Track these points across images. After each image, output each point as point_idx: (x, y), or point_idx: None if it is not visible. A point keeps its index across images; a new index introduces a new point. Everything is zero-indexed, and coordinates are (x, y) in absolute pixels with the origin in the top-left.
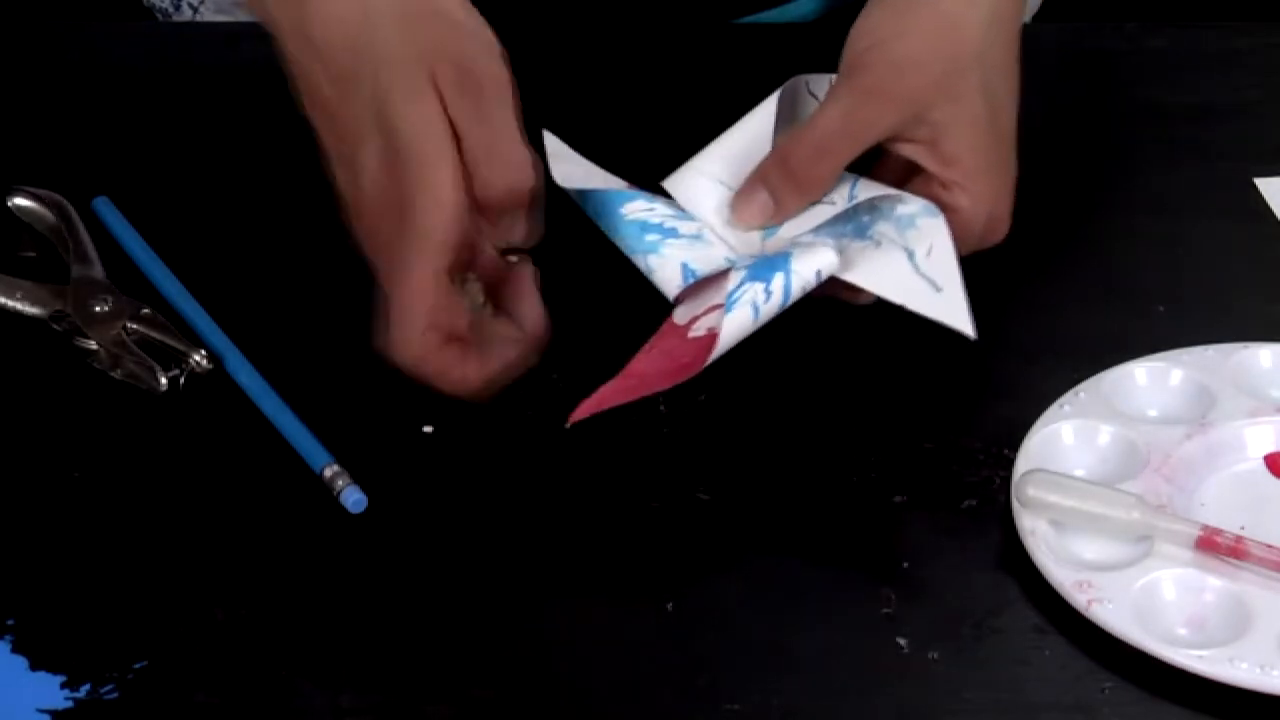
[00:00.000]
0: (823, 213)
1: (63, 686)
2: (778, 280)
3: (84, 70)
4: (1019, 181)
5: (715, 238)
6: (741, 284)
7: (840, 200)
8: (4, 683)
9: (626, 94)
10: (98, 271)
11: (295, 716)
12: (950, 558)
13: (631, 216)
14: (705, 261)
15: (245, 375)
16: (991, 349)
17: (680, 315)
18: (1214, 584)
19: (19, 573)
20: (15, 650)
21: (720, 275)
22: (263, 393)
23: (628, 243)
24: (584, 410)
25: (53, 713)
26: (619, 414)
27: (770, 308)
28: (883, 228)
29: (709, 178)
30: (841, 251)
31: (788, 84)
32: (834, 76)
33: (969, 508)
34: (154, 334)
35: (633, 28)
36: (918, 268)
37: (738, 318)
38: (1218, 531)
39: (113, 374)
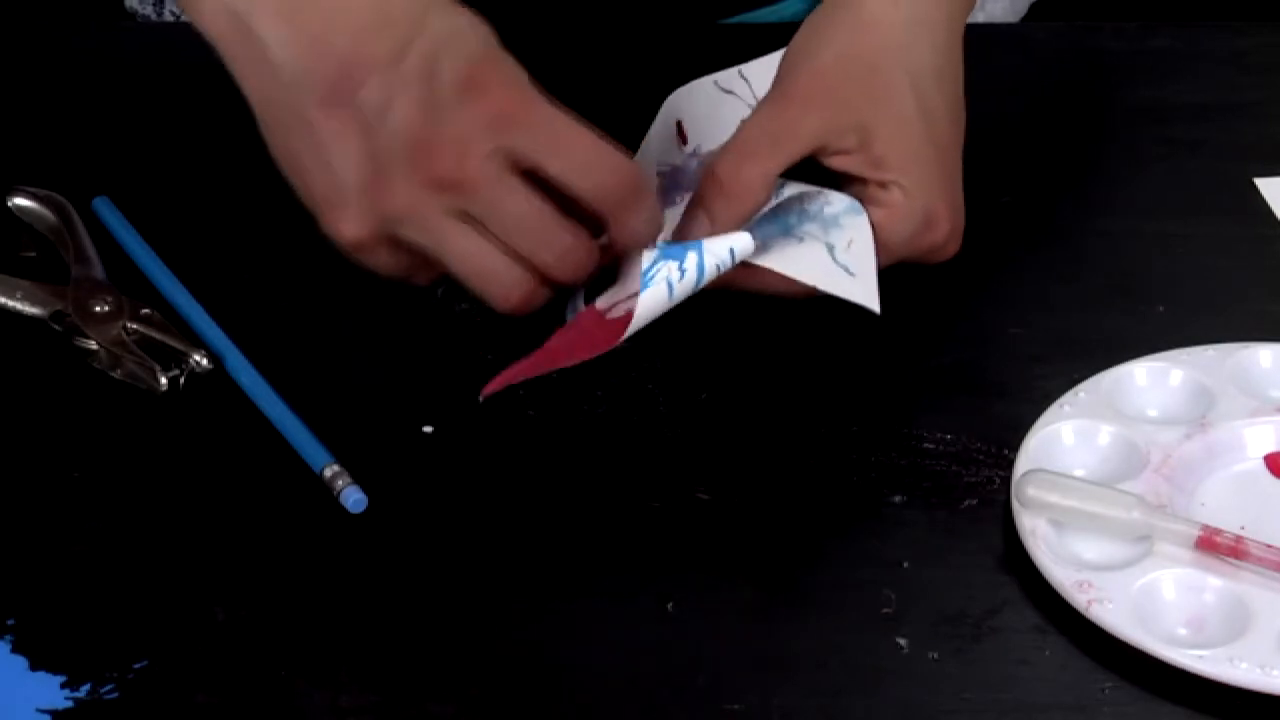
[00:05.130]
0: None
1: (63, 686)
2: (691, 259)
3: (84, 70)
4: (1018, 181)
5: None
6: (655, 262)
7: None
8: (4, 683)
9: (612, 94)
10: (98, 271)
11: (295, 716)
12: (950, 558)
13: None
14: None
15: (245, 375)
16: (991, 349)
17: (602, 302)
18: (1214, 584)
19: (19, 573)
20: (15, 650)
21: (635, 259)
22: (263, 393)
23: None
24: (496, 384)
25: (53, 713)
26: (619, 414)
27: (685, 285)
28: (809, 227)
29: None
30: (765, 246)
31: (684, 89)
32: (742, 68)
33: (969, 508)
34: (154, 334)
35: (619, 27)
36: (836, 259)
37: (653, 294)
38: (1218, 531)
39: (113, 374)
